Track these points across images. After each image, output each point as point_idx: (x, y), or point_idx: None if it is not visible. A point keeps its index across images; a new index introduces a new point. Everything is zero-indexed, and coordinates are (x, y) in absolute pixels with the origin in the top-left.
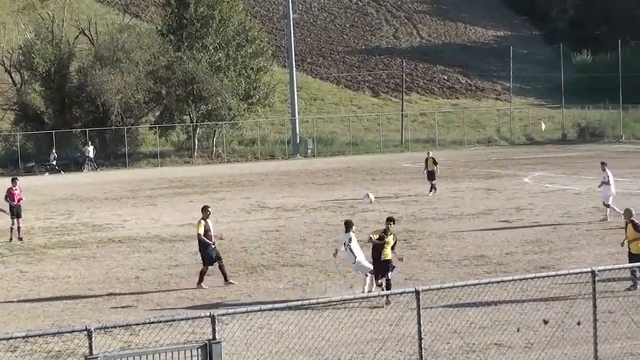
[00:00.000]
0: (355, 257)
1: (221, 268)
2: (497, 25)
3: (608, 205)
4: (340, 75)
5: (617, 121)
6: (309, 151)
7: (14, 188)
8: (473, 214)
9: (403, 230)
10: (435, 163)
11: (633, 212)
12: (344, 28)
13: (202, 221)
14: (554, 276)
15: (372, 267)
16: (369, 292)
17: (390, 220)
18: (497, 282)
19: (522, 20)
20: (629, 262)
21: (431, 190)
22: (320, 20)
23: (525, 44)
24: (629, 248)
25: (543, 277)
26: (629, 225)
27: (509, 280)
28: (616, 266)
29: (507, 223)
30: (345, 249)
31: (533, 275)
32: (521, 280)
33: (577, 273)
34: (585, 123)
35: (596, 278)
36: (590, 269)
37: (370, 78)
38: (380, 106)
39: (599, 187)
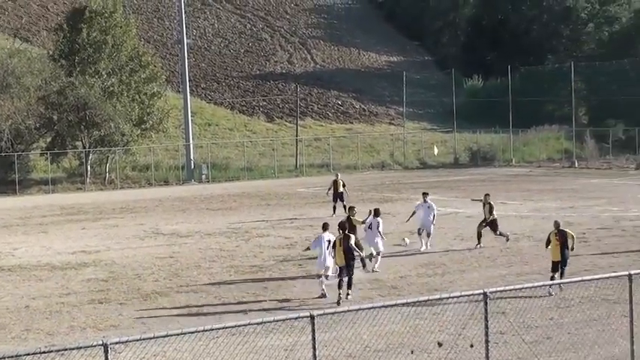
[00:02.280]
0: (376, 237)
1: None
2: (390, 51)
3: (428, 233)
4: (235, 100)
5: (507, 145)
6: (204, 176)
7: None
8: None
9: (297, 255)
10: (343, 185)
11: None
12: (238, 54)
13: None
14: (447, 298)
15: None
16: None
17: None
18: (392, 305)
19: (415, 46)
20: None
21: (335, 211)
22: (214, 45)
23: (418, 70)
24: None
25: (436, 299)
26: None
27: (402, 304)
28: (507, 287)
29: (401, 246)
30: (373, 229)
31: (426, 298)
32: (414, 303)
33: (469, 295)
34: (477, 147)
35: (488, 300)
36: (482, 291)
37: (265, 103)
38: (274, 131)
39: (433, 221)
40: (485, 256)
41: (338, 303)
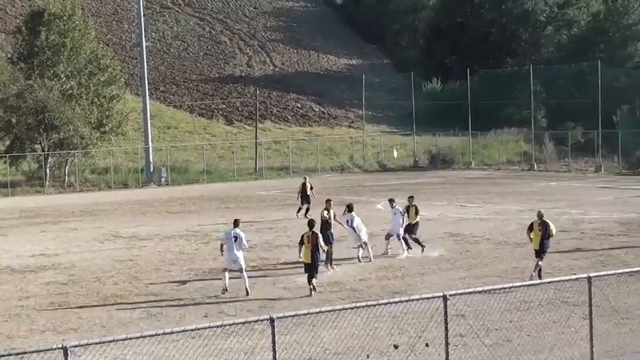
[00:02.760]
0: (359, 232)
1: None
2: (349, 54)
3: (399, 237)
4: (194, 103)
5: (466, 148)
6: (163, 179)
7: None
8: None
9: (257, 258)
10: (311, 188)
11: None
12: (197, 57)
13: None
14: (407, 301)
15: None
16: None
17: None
18: (351, 308)
19: (374, 49)
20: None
21: (299, 211)
22: (173, 48)
23: (377, 72)
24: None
25: (396, 302)
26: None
27: (362, 306)
28: (467, 290)
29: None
30: (349, 226)
31: (386, 301)
32: (374, 305)
33: (429, 298)
34: (436, 150)
35: (448, 302)
36: (441, 294)
37: (224, 106)
38: (234, 134)
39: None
40: (445, 259)
41: (310, 293)
